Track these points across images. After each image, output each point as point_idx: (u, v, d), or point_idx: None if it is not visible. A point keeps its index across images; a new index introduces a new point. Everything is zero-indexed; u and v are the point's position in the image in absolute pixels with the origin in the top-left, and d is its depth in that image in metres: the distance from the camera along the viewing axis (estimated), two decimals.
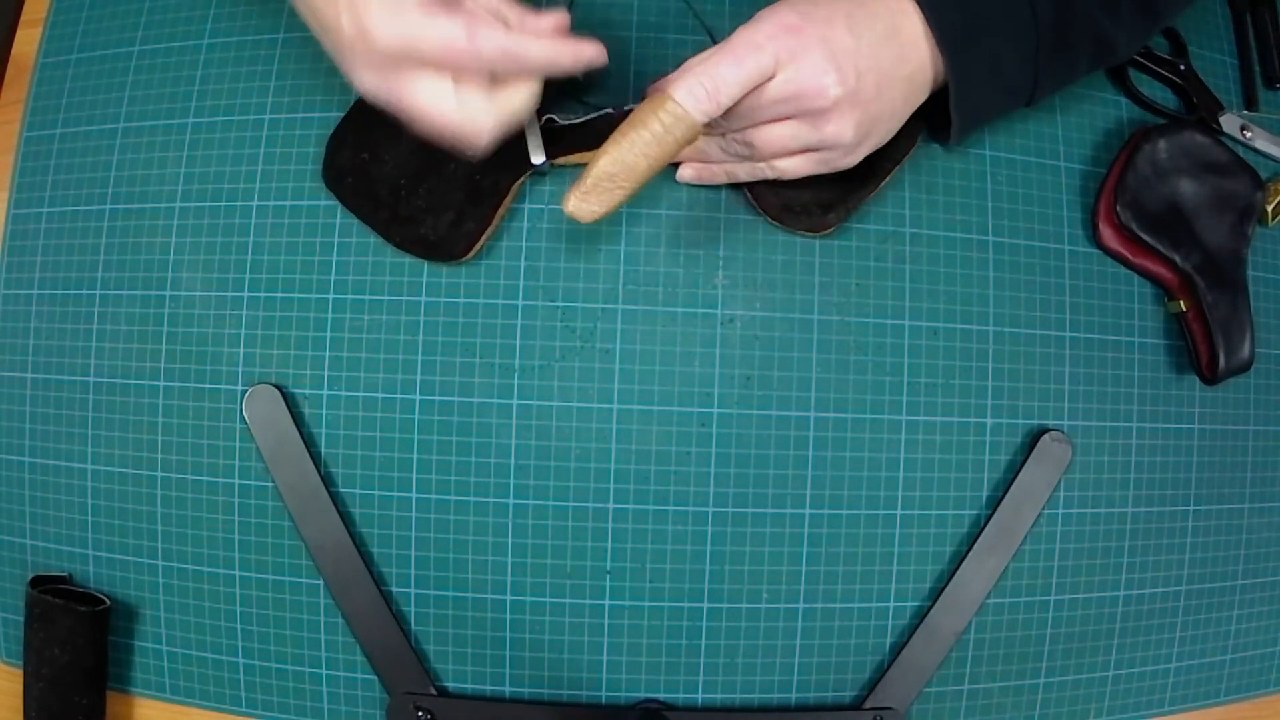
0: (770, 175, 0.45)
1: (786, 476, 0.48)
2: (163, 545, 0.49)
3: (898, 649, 0.48)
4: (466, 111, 0.39)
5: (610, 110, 0.47)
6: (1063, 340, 0.51)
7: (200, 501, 0.49)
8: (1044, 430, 0.50)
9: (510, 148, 0.47)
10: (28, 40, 0.55)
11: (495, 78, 0.40)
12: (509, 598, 0.48)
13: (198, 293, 0.50)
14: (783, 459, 0.48)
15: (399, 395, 0.48)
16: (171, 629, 0.49)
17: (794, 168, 0.44)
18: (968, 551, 0.49)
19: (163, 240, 0.50)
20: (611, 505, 0.48)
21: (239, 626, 0.49)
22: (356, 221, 0.48)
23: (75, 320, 0.51)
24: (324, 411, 0.48)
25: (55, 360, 0.51)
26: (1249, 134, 0.54)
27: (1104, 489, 0.51)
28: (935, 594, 0.49)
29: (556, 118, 0.47)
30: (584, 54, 0.41)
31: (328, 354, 0.48)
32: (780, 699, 0.49)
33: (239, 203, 0.50)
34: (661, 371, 0.48)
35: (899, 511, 0.49)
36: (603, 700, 0.48)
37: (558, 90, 0.48)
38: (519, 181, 0.47)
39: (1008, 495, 0.49)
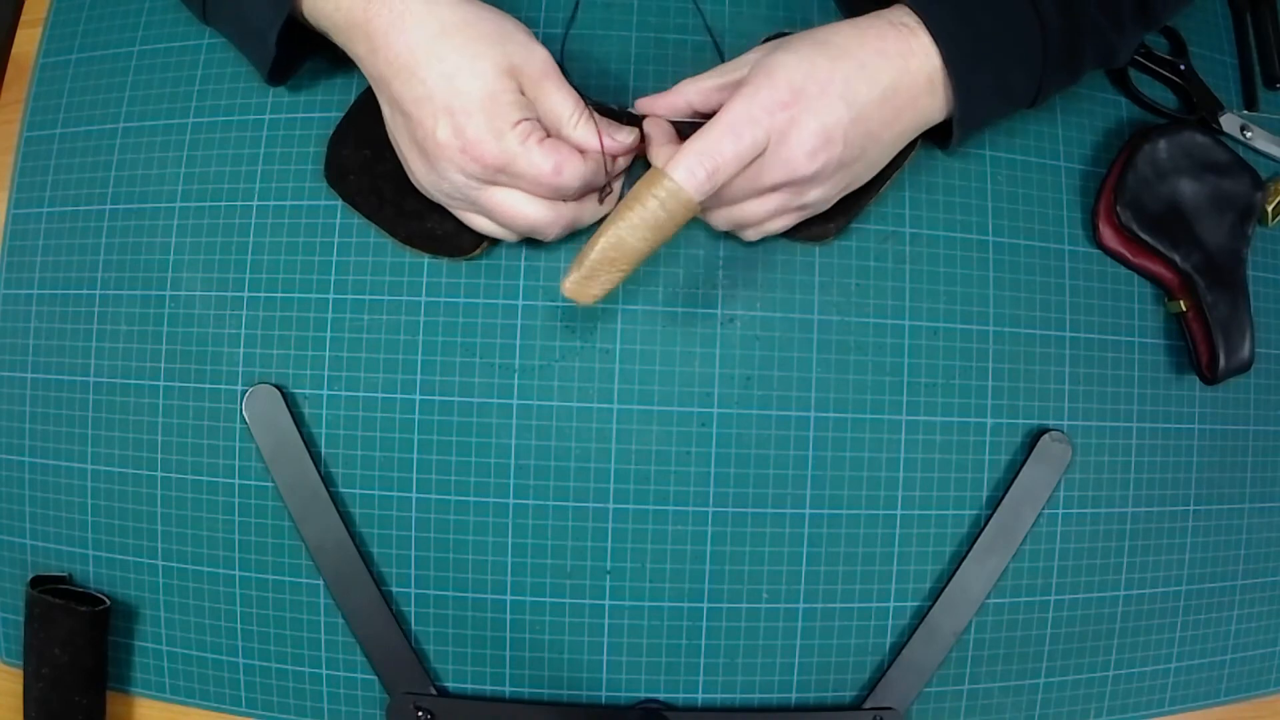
0: (754, 237, 0.46)
1: (786, 476, 0.48)
2: (163, 545, 0.49)
3: (898, 649, 0.48)
4: (540, 217, 0.42)
5: (614, 107, 0.46)
6: (1063, 340, 0.51)
7: (200, 501, 0.49)
8: (1044, 430, 0.50)
9: None
10: (28, 40, 0.55)
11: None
12: (509, 598, 0.48)
13: (198, 293, 0.50)
14: (783, 459, 0.48)
15: (399, 395, 0.48)
16: (171, 629, 0.49)
17: (775, 228, 0.45)
18: (968, 551, 0.49)
19: (163, 240, 0.50)
20: (611, 505, 0.48)
21: (239, 626, 0.49)
22: (357, 221, 0.48)
23: (75, 320, 0.51)
24: (324, 411, 0.48)
25: (55, 360, 0.51)
26: (1249, 134, 0.54)
27: (1104, 489, 0.51)
28: (935, 594, 0.49)
29: None
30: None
31: (328, 354, 0.48)
32: (780, 699, 0.49)
33: (239, 203, 0.50)
34: (661, 371, 0.48)
35: (899, 511, 0.49)
36: (603, 700, 0.48)
37: None
38: None
39: (1008, 495, 0.49)
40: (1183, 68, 0.54)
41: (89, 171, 0.51)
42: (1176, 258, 0.50)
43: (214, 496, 0.49)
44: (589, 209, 0.45)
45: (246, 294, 0.49)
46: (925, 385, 0.49)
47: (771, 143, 0.40)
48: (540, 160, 0.40)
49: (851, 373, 0.49)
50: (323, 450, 0.48)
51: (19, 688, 0.48)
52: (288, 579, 0.49)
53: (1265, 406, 0.54)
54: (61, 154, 0.52)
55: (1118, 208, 0.50)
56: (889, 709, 0.48)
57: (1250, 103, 0.56)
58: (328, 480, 0.48)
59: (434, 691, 0.47)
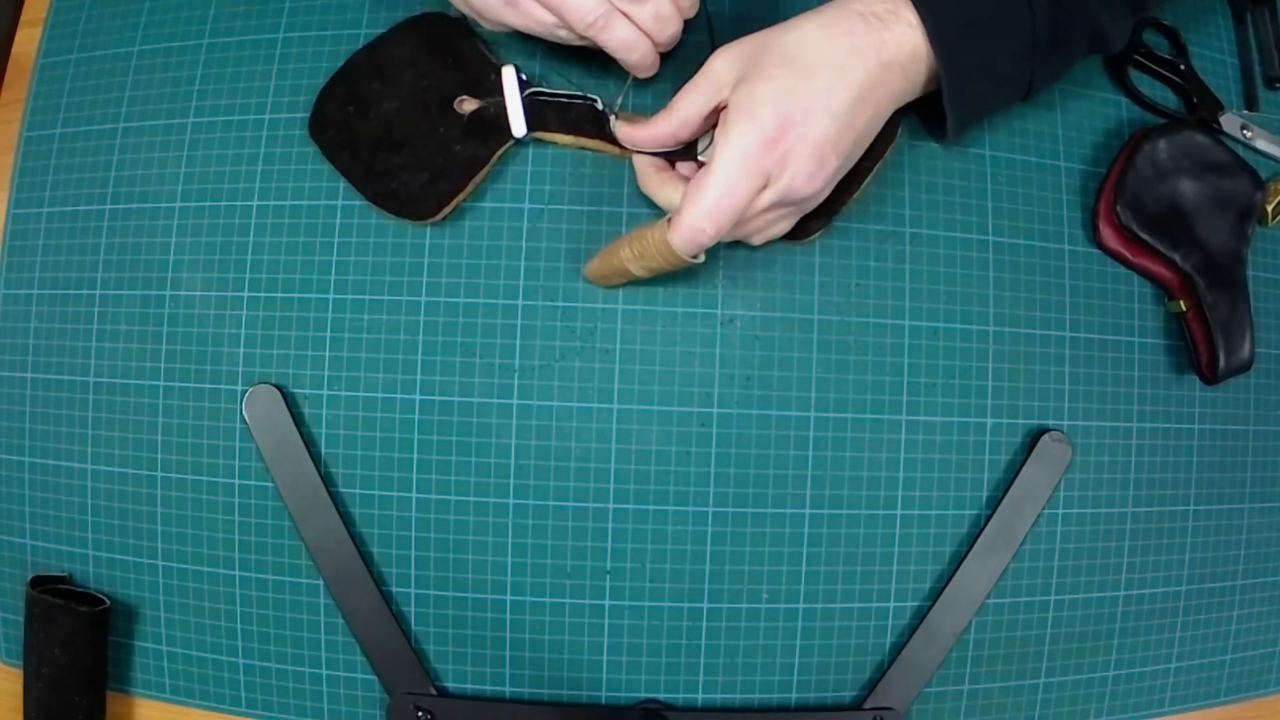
0: (758, 242, 0.46)
1: (786, 476, 0.48)
2: (163, 545, 0.49)
3: (898, 649, 0.48)
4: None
5: (593, 99, 0.47)
6: (1063, 340, 0.51)
7: (200, 501, 0.49)
8: (1044, 430, 0.50)
9: (494, 119, 0.47)
10: (28, 40, 0.55)
11: None
12: (509, 598, 0.48)
13: (198, 293, 0.50)
14: (783, 459, 0.48)
15: (399, 395, 0.48)
16: (171, 629, 0.49)
17: (778, 232, 0.45)
18: (968, 551, 0.49)
19: (163, 240, 0.50)
20: (611, 505, 0.48)
21: (239, 626, 0.49)
22: (357, 221, 0.49)
23: (75, 320, 0.51)
24: (324, 411, 0.48)
25: (55, 360, 0.51)
26: (1249, 134, 0.54)
27: (1104, 489, 0.51)
28: (935, 594, 0.49)
29: (543, 89, 0.48)
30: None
31: (328, 354, 0.48)
32: (780, 699, 0.49)
33: (239, 203, 0.50)
34: (661, 371, 0.48)
35: (899, 511, 0.49)
36: (603, 700, 0.48)
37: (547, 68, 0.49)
38: (499, 151, 0.48)
39: (1008, 495, 0.49)
40: (1183, 68, 0.54)
41: (89, 171, 0.51)
42: (1176, 258, 0.50)
43: (214, 496, 0.49)
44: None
45: (246, 294, 0.49)
46: (925, 385, 0.49)
47: (770, 180, 0.40)
48: None
49: (851, 373, 0.49)
50: (323, 450, 0.48)
51: (19, 688, 0.48)
52: (288, 579, 0.49)
53: (1265, 406, 0.54)
54: (61, 154, 0.52)
55: (1118, 208, 0.50)
56: (889, 709, 0.48)
57: (1250, 103, 0.56)
58: (328, 480, 0.48)
59: (434, 691, 0.47)
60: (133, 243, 0.50)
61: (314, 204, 0.49)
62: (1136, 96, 0.54)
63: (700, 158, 0.46)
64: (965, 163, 0.51)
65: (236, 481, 0.49)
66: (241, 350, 0.49)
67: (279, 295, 0.49)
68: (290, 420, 0.47)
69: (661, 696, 0.48)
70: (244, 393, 0.48)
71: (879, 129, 0.44)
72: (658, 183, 0.45)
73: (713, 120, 0.44)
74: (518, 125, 0.47)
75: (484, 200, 0.49)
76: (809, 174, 0.40)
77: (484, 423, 0.48)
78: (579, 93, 0.48)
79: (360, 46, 0.49)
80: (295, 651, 0.49)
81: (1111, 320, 0.52)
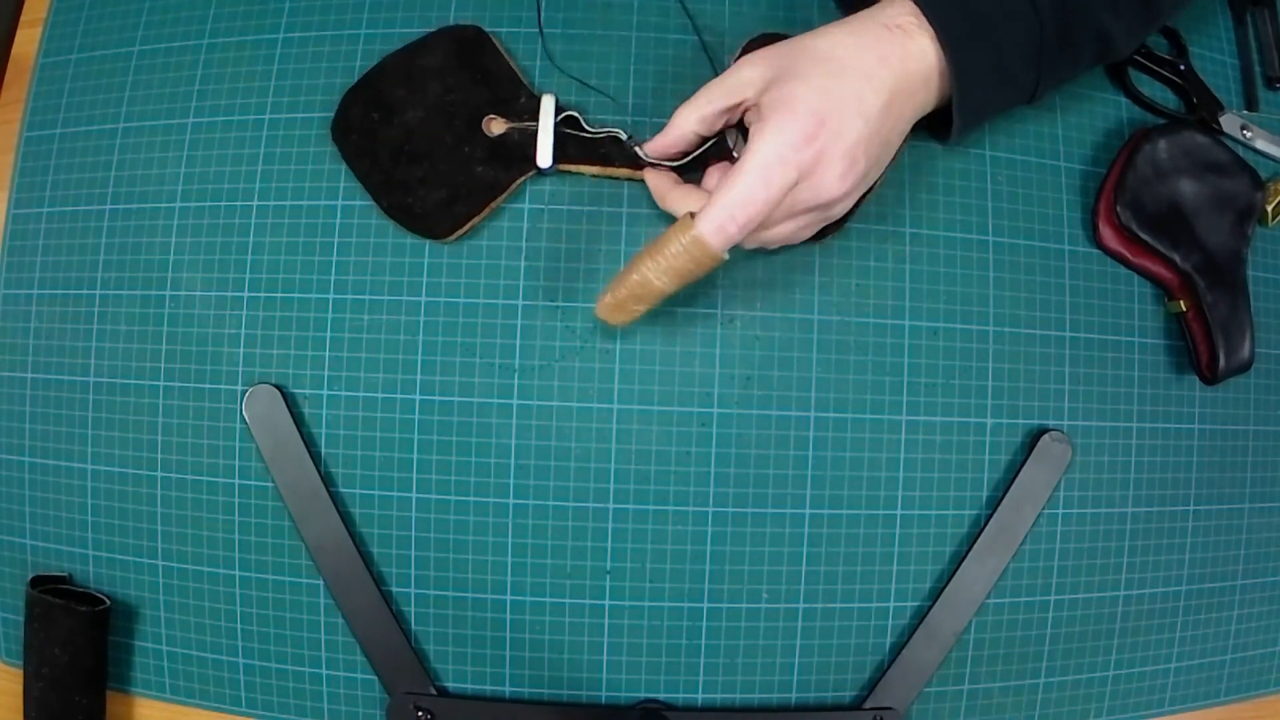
0: (776, 246, 0.45)
1: (786, 476, 0.48)
2: (163, 545, 0.49)
3: (898, 649, 0.48)
4: None
5: (619, 133, 0.47)
6: (1063, 340, 0.51)
7: (200, 501, 0.49)
8: (1044, 430, 0.50)
9: (518, 145, 0.47)
10: (28, 40, 0.55)
11: None
12: (509, 598, 0.48)
13: (198, 293, 0.50)
14: (783, 459, 0.48)
15: (399, 395, 0.48)
16: (171, 629, 0.49)
17: (800, 239, 0.45)
18: (968, 551, 0.49)
19: (163, 240, 0.50)
20: (611, 505, 0.48)
21: (239, 626, 0.49)
22: (357, 221, 0.49)
23: (75, 320, 0.51)
24: (324, 411, 0.48)
25: (55, 360, 0.51)
26: (1249, 134, 0.54)
27: (1104, 489, 0.51)
28: (935, 594, 0.49)
29: (576, 118, 0.47)
30: None
31: (328, 354, 0.48)
32: (780, 699, 0.49)
33: (239, 203, 0.50)
34: (661, 371, 0.48)
35: (899, 511, 0.49)
36: (603, 700, 0.48)
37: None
38: (521, 179, 0.47)
39: (1008, 495, 0.49)
40: (1183, 68, 0.54)
41: (89, 171, 0.51)
42: (1176, 258, 0.50)
43: (214, 496, 0.49)
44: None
45: (246, 294, 0.49)
46: (925, 385, 0.49)
47: (802, 176, 0.40)
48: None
49: (851, 373, 0.49)
50: (323, 450, 0.48)
51: (19, 688, 0.48)
52: (288, 579, 0.49)
53: (1265, 406, 0.54)
54: (61, 154, 0.52)
55: (1118, 208, 0.50)
56: (889, 709, 0.48)
57: (1250, 103, 0.56)
58: (328, 480, 0.48)
59: (434, 691, 0.47)
60: (133, 243, 0.50)
61: (314, 204, 0.49)
62: (1136, 96, 0.54)
63: (735, 153, 0.46)
64: (965, 163, 0.51)
65: (236, 481, 0.49)
66: (241, 350, 0.49)
67: (279, 295, 0.49)
68: (290, 420, 0.47)
69: (661, 696, 0.48)
70: (244, 393, 0.48)
71: (898, 143, 0.44)
72: (678, 196, 0.44)
73: (731, 120, 0.44)
74: (544, 156, 0.47)
75: None
76: (840, 173, 0.40)
77: (484, 423, 0.48)
78: (606, 129, 0.47)
79: (391, 51, 0.49)
80: (295, 651, 0.49)
81: (1111, 320, 0.52)
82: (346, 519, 0.48)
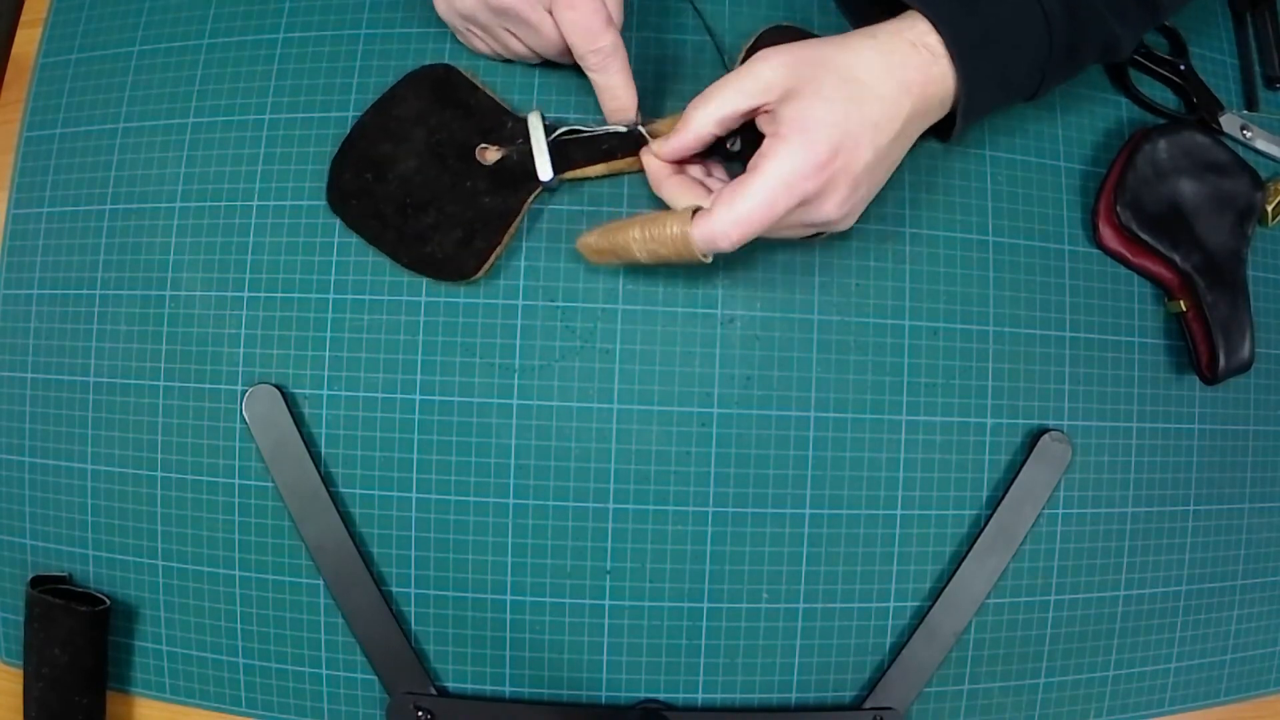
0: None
1: (786, 476, 0.48)
2: (163, 545, 0.49)
3: (898, 649, 0.48)
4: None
5: (621, 127, 0.46)
6: (1063, 340, 0.51)
7: (200, 501, 0.49)
8: (1044, 430, 0.50)
9: (517, 166, 0.47)
10: (28, 40, 0.55)
11: None
12: (509, 598, 0.48)
13: (198, 293, 0.50)
14: (783, 459, 0.48)
15: (399, 395, 0.48)
16: (171, 629, 0.49)
17: (794, 236, 0.45)
18: (968, 551, 0.49)
19: (163, 240, 0.50)
20: (611, 505, 0.48)
21: (239, 626, 0.49)
22: None
23: (75, 320, 0.51)
24: (324, 411, 0.48)
25: (55, 360, 0.51)
26: (1249, 134, 0.54)
27: (1104, 489, 0.51)
28: (935, 594, 0.49)
29: (569, 127, 0.47)
30: None
31: (328, 354, 0.48)
32: (780, 699, 0.49)
33: (239, 203, 0.50)
34: (661, 371, 0.48)
35: (899, 511, 0.49)
36: (603, 700, 0.48)
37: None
38: (529, 199, 0.47)
39: (1008, 495, 0.49)
40: (1183, 68, 0.54)
41: (89, 171, 0.51)
42: (1176, 258, 0.50)
43: (214, 496, 0.49)
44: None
45: (246, 294, 0.49)
46: (925, 385, 0.49)
47: (805, 202, 0.40)
48: (598, 7, 0.42)
49: (851, 373, 0.49)
50: (323, 450, 0.48)
51: (19, 688, 0.48)
52: (288, 579, 0.49)
53: (1265, 406, 0.54)
54: (61, 154, 0.52)
55: (1118, 208, 0.50)
56: (889, 709, 0.48)
57: (1250, 103, 0.56)
58: (328, 480, 0.48)
59: (434, 691, 0.47)
60: (133, 243, 0.50)
61: (314, 204, 0.49)
62: (1136, 96, 0.54)
63: (729, 146, 0.45)
64: (965, 163, 0.51)
65: (236, 481, 0.49)
66: (241, 350, 0.49)
67: (279, 295, 0.49)
68: (290, 420, 0.47)
69: (661, 696, 0.48)
70: (244, 393, 0.48)
71: (901, 156, 0.44)
72: (675, 185, 0.44)
73: (746, 120, 0.43)
74: (544, 170, 0.46)
75: None
76: (841, 200, 0.40)
77: (484, 423, 0.48)
78: (602, 128, 0.47)
79: (364, 110, 0.49)
80: (295, 651, 0.49)
81: (1111, 320, 0.52)
82: (346, 519, 0.48)
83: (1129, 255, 0.52)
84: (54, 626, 0.47)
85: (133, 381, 0.50)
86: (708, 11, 0.50)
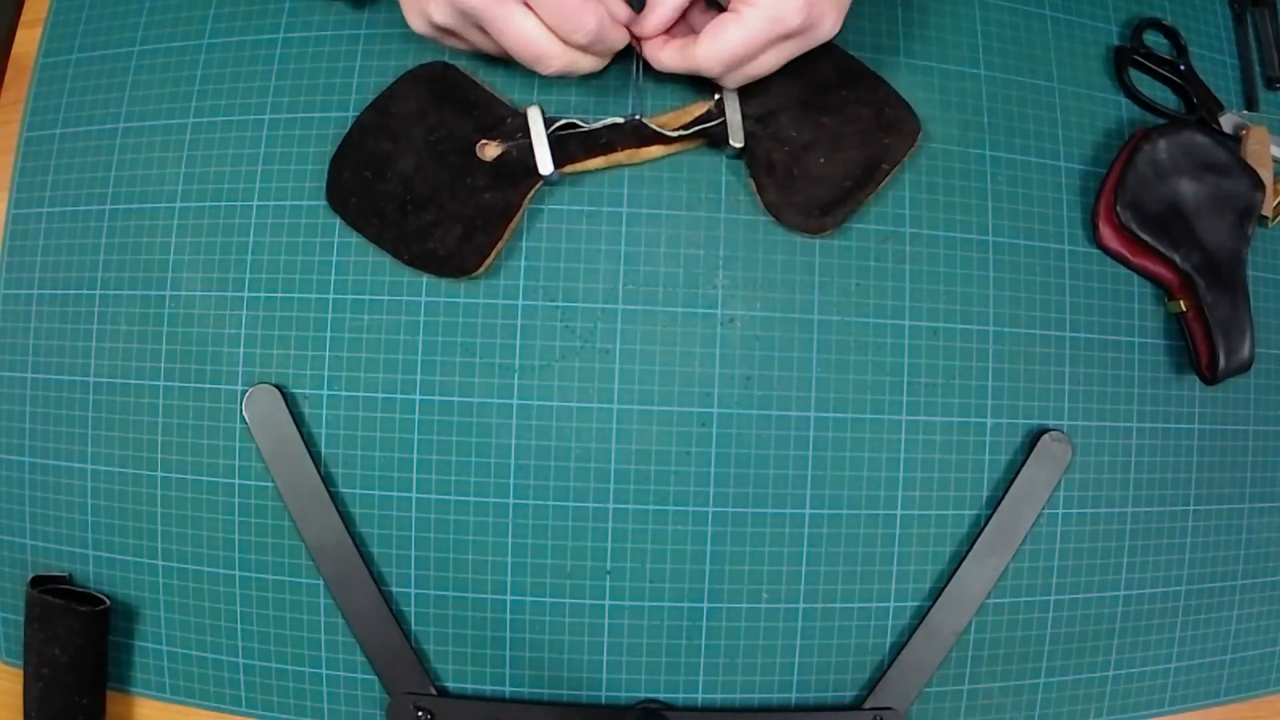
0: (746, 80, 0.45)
1: (786, 476, 0.48)
2: (163, 545, 0.49)
3: (898, 649, 0.48)
4: (548, 47, 0.42)
5: (619, 120, 0.47)
6: (1063, 340, 0.51)
7: (200, 501, 0.49)
8: (1044, 430, 0.50)
9: (517, 161, 0.47)
10: (28, 40, 0.55)
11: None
12: (509, 598, 0.48)
13: (198, 293, 0.50)
14: (783, 459, 0.48)
15: (399, 395, 0.48)
16: (171, 629, 0.49)
17: (772, 68, 0.44)
18: (968, 551, 0.49)
19: (163, 240, 0.50)
20: (611, 505, 0.48)
21: (239, 626, 0.49)
22: None
23: (75, 320, 0.51)
24: (324, 411, 0.48)
25: (55, 360, 0.51)
26: (1245, 132, 0.54)
27: (1104, 489, 0.51)
28: (935, 594, 0.49)
29: (568, 121, 0.47)
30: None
31: (328, 354, 0.48)
32: (780, 699, 0.49)
33: (239, 203, 0.50)
34: (661, 371, 0.48)
35: (899, 511, 0.49)
36: (603, 700, 0.48)
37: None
38: (529, 194, 0.47)
39: (1008, 495, 0.49)
40: (1183, 68, 0.54)
41: (89, 171, 0.51)
42: (1176, 258, 0.50)
43: (214, 496, 0.49)
44: (589, 59, 0.43)
45: (246, 294, 0.49)
46: (925, 385, 0.50)
47: (795, 36, 0.41)
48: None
49: (851, 373, 0.49)
50: (323, 450, 0.48)
51: (19, 688, 0.48)
52: (288, 579, 0.49)
53: (1265, 406, 0.54)
54: (61, 154, 0.52)
55: (1118, 208, 0.50)
56: (889, 709, 0.48)
57: (1250, 103, 0.56)
58: (328, 480, 0.48)
59: (434, 691, 0.47)
60: (133, 243, 0.50)
61: (314, 204, 0.49)
62: (1136, 96, 0.54)
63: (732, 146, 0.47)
64: (965, 163, 0.51)
65: (236, 481, 0.49)
66: (241, 350, 0.49)
67: (279, 295, 0.49)
68: (290, 420, 0.47)
69: (661, 696, 0.48)
70: (244, 393, 0.48)
71: None
72: (671, 51, 0.45)
73: None
74: (545, 164, 0.46)
75: None
76: (834, 22, 0.42)
77: (484, 423, 0.48)
78: (600, 119, 0.47)
79: (362, 110, 0.48)
80: (295, 651, 0.49)
81: (1111, 320, 0.52)
82: (346, 519, 0.48)
83: (1129, 255, 0.52)
84: (54, 626, 0.47)
85: (133, 381, 0.50)
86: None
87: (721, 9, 0.43)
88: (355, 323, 0.48)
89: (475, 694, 0.48)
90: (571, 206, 0.49)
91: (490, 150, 0.47)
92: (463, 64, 0.49)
